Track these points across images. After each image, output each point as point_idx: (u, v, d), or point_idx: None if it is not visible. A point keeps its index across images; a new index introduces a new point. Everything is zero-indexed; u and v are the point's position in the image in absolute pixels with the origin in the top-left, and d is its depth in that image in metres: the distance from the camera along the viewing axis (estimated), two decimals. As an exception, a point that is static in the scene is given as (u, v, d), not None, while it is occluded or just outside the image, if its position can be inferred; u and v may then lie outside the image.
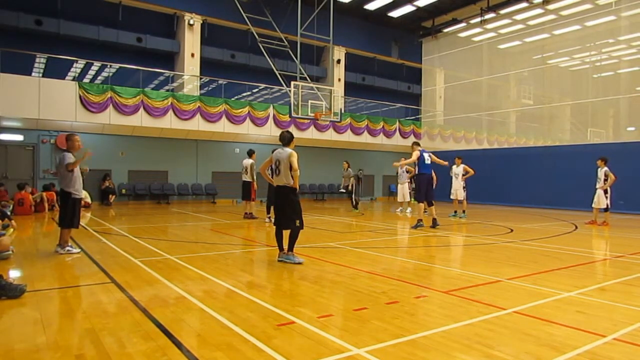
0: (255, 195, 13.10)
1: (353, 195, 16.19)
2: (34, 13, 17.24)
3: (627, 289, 5.06)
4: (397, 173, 15.68)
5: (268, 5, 19.93)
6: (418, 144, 11.42)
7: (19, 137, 16.78)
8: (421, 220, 10.86)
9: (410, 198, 15.97)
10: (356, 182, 16.21)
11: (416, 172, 11.12)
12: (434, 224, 10.91)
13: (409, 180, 15.47)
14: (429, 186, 11.06)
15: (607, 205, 12.02)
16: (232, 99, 19.76)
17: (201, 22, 20.35)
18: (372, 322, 3.77)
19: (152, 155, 19.17)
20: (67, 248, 6.91)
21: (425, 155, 10.91)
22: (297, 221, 6.33)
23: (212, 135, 19.64)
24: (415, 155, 10.81)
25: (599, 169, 12.07)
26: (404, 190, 15.61)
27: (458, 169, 14.13)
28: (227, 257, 6.95)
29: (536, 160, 19.34)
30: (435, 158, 11.43)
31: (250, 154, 12.92)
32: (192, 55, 19.92)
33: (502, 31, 23.17)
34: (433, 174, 11.49)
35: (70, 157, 6.90)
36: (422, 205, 10.96)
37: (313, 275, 5.57)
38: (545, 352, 3.14)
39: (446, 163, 12.37)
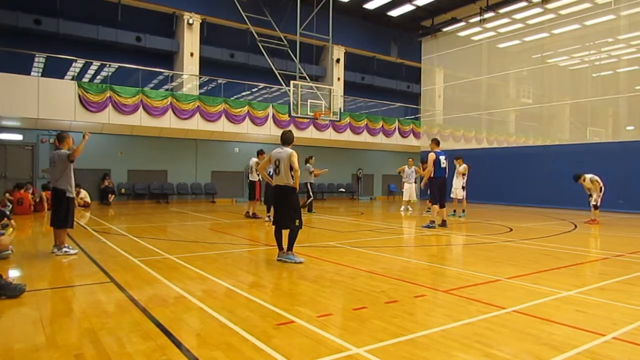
0: (260, 195, 13.09)
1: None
2: (33, 12, 17.20)
3: (627, 288, 5.07)
4: (405, 172, 15.72)
5: (267, 4, 19.92)
6: (437, 143, 10.93)
7: (18, 137, 16.77)
8: (434, 222, 10.85)
9: (416, 197, 16.05)
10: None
11: (431, 175, 10.78)
12: (443, 224, 10.96)
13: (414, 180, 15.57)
14: (442, 190, 10.91)
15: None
16: (232, 98, 19.74)
17: (200, 21, 20.32)
18: (371, 321, 3.77)
19: (152, 155, 19.15)
20: (64, 249, 6.76)
21: (442, 158, 10.74)
22: (297, 221, 6.34)
23: (212, 135, 19.63)
24: (431, 159, 10.62)
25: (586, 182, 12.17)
26: (411, 189, 15.64)
27: (460, 168, 14.18)
28: (226, 256, 6.94)
29: (535, 160, 19.35)
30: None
31: (258, 153, 12.92)
32: (192, 54, 19.90)
33: (502, 30, 23.14)
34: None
35: (66, 152, 6.85)
36: (436, 207, 10.91)
37: (312, 275, 5.57)
38: (544, 351, 3.14)
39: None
